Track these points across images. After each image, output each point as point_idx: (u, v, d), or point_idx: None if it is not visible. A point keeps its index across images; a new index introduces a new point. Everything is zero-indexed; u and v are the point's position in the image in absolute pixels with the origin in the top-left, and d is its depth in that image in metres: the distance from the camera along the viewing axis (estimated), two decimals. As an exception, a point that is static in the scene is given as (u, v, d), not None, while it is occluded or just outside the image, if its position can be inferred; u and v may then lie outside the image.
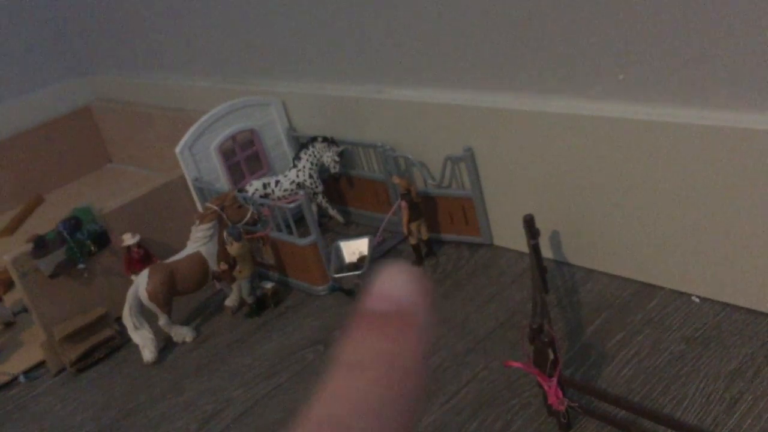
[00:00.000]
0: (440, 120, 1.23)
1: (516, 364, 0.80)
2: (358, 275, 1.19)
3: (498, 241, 1.25)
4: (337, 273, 1.21)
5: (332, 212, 1.43)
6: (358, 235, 1.31)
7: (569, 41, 1.01)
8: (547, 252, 1.17)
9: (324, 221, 1.44)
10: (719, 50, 0.87)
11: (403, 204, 1.22)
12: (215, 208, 1.24)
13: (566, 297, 1.09)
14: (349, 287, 1.21)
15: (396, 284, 0.28)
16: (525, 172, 1.14)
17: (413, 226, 1.24)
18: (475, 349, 1.03)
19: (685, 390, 0.87)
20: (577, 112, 1.03)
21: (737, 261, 0.95)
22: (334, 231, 1.43)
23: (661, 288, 1.05)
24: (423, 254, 1.26)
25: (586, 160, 1.05)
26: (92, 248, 1.27)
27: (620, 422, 0.82)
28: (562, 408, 0.82)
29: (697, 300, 1.01)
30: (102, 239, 1.29)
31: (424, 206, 1.25)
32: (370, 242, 1.25)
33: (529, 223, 1.04)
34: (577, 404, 0.83)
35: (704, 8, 0.86)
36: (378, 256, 1.29)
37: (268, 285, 1.25)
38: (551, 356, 0.81)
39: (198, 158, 1.38)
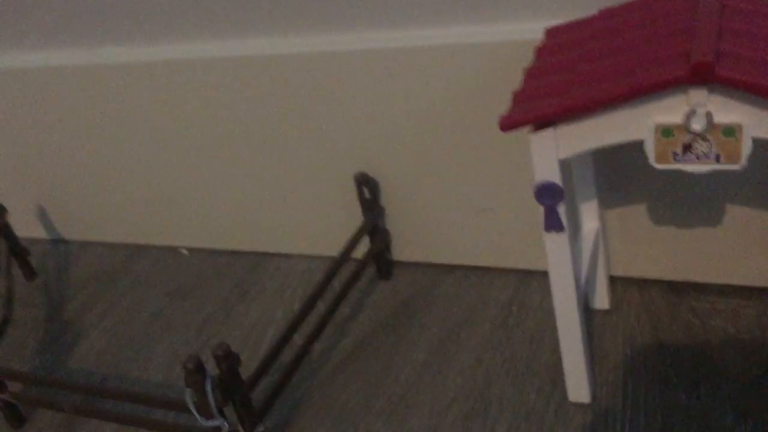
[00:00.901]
0: None
1: None
2: None
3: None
4: None
5: None
6: None
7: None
8: (39, 232, 1.02)
9: None
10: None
11: None
12: None
13: (55, 276, 0.96)
14: None
15: None
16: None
17: None
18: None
19: (156, 348, 0.80)
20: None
21: (225, 210, 0.90)
22: None
23: (154, 246, 0.97)
24: None
25: (35, 126, 0.92)
26: None
27: (71, 406, 0.71)
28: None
29: (186, 252, 0.95)
30: None
31: None
32: None
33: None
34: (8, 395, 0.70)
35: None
36: None
37: None
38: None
39: None
